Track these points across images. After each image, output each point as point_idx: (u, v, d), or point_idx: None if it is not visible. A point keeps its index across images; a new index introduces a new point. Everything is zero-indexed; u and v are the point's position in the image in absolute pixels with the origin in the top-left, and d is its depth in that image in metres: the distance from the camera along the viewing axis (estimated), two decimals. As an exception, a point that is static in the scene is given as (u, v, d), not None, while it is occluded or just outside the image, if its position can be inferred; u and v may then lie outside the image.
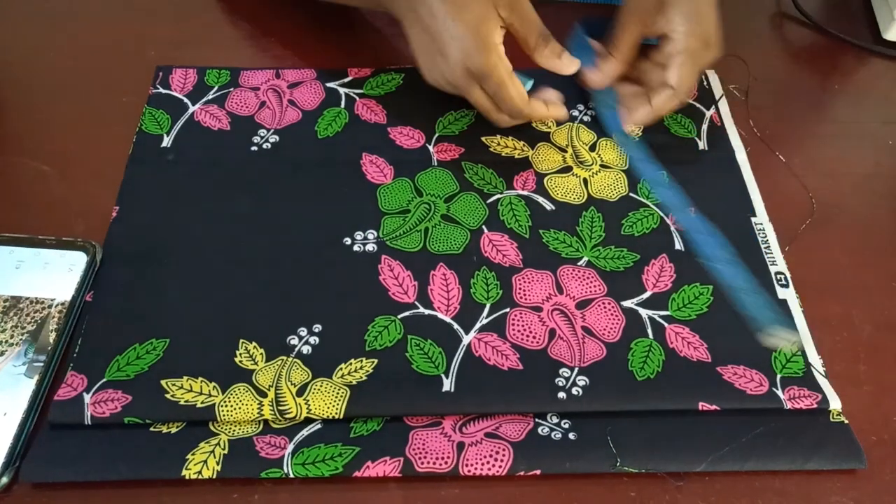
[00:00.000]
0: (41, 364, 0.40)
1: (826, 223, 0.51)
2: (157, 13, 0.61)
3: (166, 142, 0.51)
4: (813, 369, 0.43)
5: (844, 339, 0.45)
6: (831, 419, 0.41)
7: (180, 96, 0.54)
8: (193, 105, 0.54)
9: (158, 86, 0.55)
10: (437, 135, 0.53)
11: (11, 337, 0.41)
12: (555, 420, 0.40)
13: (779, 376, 0.42)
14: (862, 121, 0.58)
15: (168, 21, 0.60)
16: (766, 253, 0.48)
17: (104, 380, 0.40)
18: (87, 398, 0.39)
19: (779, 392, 0.41)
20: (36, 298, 0.43)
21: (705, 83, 0.58)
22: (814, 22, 0.63)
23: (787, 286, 0.46)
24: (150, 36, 0.59)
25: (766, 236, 0.49)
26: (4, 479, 0.37)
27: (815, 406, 0.41)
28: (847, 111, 0.59)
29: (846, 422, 0.41)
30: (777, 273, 0.47)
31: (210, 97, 0.54)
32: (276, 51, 0.58)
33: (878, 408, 0.43)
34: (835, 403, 0.41)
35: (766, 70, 0.59)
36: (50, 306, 0.43)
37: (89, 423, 0.39)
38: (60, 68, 0.56)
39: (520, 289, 0.45)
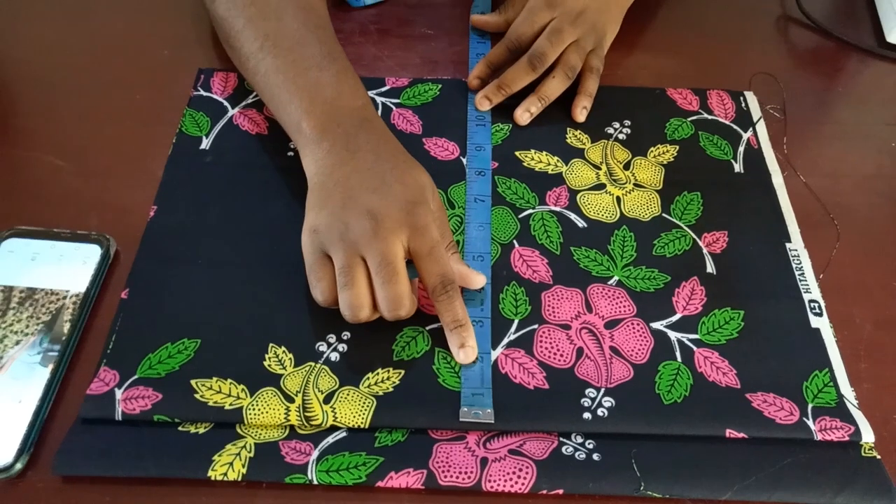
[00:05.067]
0: (56, 354, 0.41)
1: (828, 223, 0.51)
2: (172, 12, 0.62)
3: (205, 144, 0.52)
4: (845, 400, 0.42)
5: (845, 337, 0.45)
6: (863, 453, 0.40)
7: (220, 99, 0.55)
8: (233, 108, 0.54)
9: (199, 88, 0.55)
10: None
11: (27, 327, 0.42)
12: (579, 440, 0.40)
13: (810, 406, 0.42)
14: (865, 123, 0.58)
15: (182, 20, 0.61)
16: (801, 280, 0.47)
17: (136, 377, 0.41)
18: (119, 394, 0.40)
19: (809, 422, 0.41)
20: (51, 290, 0.44)
21: (743, 105, 0.57)
22: (818, 25, 0.64)
23: (820, 315, 0.46)
24: (164, 34, 0.60)
25: (800, 263, 0.48)
26: (18, 466, 0.38)
27: (847, 438, 0.40)
28: (850, 113, 0.59)
29: (878, 457, 0.40)
30: (811, 301, 0.46)
31: (249, 101, 0.55)
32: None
33: (879, 405, 0.43)
34: (868, 436, 0.40)
35: (770, 73, 0.60)
36: (64, 298, 0.43)
37: (120, 418, 0.39)
38: (74, 65, 0.58)
39: (549, 305, 0.45)
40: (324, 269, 0.42)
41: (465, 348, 0.42)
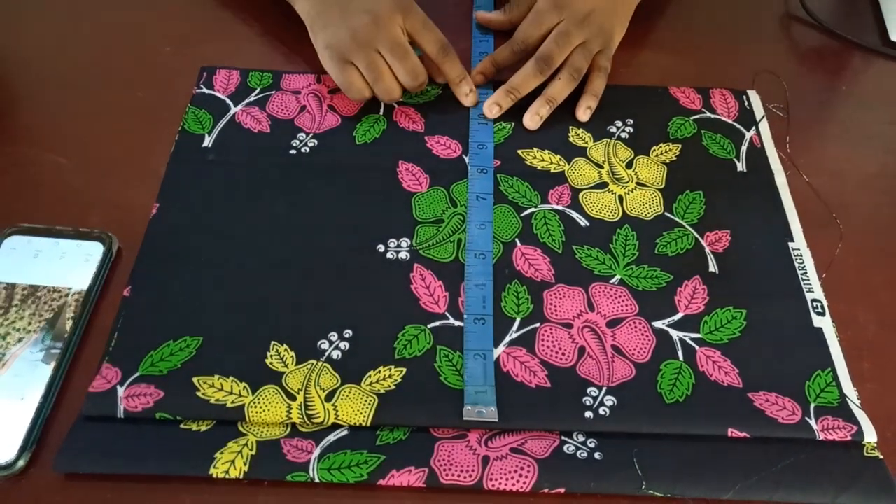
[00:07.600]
0: (58, 351, 0.42)
1: (831, 223, 0.51)
2: (174, 9, 0.62)
3: (207, 142, 0.52)
4: (848, 400, 0.42)
5: (849, 337, 0.45)
6: (865, 453, 0.40)
7: (223, 97, 0.55)
8: (235, 106, 0.54)
9: (202, 86, 0.55)
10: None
11: (29, 324, 0.42)
12: (581, 438, 0.40)
13: (812, 405, 0.41)
14: (869, 122, 0.58)
15: (185, 17, 0.61)
16: (803, 279, 0.47)
17: (138, 374, 0.41)
18: (121, 391, 0.40)
19: (812, 422, 0.41)
20: (53, 287, 0.44)
21: (746, 103, 0.57)
22: (822, 23, 0.64)
23: (823, 314, 0.45)
24: (166, 32, 0.60)
25: (803, 262, 0.48)
26: (21, 463, 0.38)
27: (850, 438, 0.40)
28: (854, 112, 0.59)
29: (881, 457, 0.40)
30: (813, 300, 0.46)
31: (252, 99, 0.55)
32: (308, 53, 0.56)
33: (882, 405, 0.42)
34: (870, 436, 0.40)
35: (773, 71, 0.60)
36: (67, 295, 0.44)
37: (122, 416, 0.39)
38: (77, 62, 0.58)
39: (551, 304, 0.45)
40: (351, 74, 0.51)
41: (471, 94, 0.54)
